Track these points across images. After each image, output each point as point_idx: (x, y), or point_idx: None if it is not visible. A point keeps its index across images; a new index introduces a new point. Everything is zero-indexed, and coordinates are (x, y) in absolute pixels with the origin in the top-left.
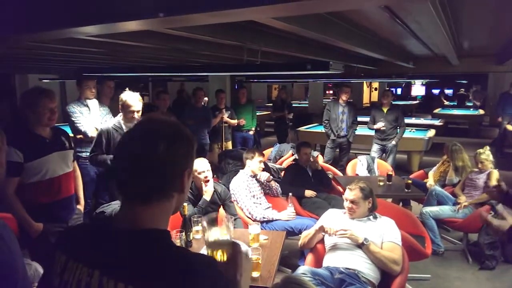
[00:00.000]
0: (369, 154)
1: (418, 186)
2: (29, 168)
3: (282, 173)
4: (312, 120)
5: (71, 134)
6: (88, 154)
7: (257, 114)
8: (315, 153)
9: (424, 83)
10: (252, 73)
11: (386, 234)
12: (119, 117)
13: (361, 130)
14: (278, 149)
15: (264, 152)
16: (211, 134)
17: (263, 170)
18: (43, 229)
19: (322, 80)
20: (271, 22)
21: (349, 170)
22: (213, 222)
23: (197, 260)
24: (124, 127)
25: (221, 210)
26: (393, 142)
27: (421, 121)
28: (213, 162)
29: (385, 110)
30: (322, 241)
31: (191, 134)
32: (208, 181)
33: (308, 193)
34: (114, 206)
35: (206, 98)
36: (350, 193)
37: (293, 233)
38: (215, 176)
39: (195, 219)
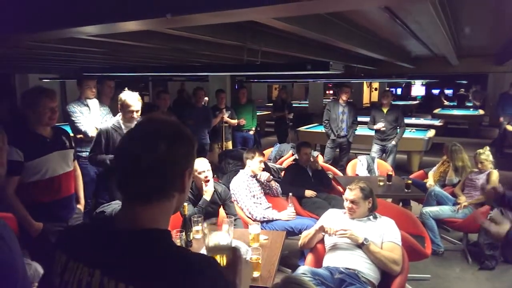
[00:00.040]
0: (369, 154)
1: (418, 186)
2: (29, 167)
3: (282, 173)
4: (312, 120)
5: (71, 134)
6: (88, 153)
7: (257, 114)
8: (315, 153)
9: (424, 83)
10: (252, 73)
11: (386, 234)
12: (118, 116)
13: (361, 130)
14: (278, 149)
15: (264, 152)
16: (211, 134)
17: (263, 170)
18: (43, 228)
19: (322, 80)
20: (272, 22)
21: (349, 170)
22: (213, 227)
23: (198, 260)
24: (123, 127)
25: (221, 210)
26: (393, 142)
27: (421, 121)
28: (213, 162)
29: (385, 110)
30: (322, 241)
31: (192, 134)
32: (208, 181)
33: (308, 193)
34: (114, 206)
35: (206, 98)
36: (350, 193)
37: (293, 233)
38: (215, 176)
39: (195, 219)
